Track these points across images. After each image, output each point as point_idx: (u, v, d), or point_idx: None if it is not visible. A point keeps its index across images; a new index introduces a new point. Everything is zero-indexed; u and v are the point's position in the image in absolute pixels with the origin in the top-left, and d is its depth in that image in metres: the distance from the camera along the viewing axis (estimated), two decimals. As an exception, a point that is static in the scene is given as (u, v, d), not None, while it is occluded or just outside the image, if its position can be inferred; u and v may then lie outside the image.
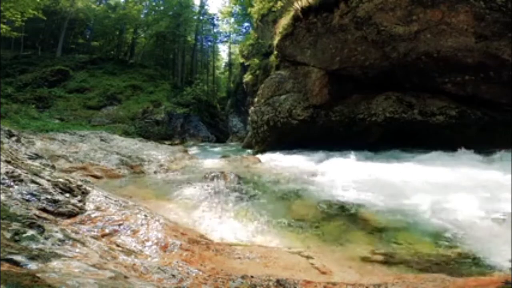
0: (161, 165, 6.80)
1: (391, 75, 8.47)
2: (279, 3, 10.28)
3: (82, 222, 2.08)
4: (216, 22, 35.80)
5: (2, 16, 14.83)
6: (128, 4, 28.47)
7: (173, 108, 21.23)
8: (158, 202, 3.99)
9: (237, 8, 28.90)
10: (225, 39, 37.03)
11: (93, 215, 2.22)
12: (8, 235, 1.41)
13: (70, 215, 2.12)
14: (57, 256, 1.36)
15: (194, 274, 1.65)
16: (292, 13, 9.38)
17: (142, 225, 2.26)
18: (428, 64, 7.55)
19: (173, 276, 1.55)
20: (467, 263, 2.45)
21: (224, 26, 34.97)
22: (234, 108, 24.83)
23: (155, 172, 6.33)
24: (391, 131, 8.31)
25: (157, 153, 8.11)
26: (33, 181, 2.25)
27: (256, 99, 12.04)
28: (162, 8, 30.60)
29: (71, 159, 6.31)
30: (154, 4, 31.58)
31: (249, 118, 12.46)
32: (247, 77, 19.24)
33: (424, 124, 7.93)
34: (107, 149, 7.61)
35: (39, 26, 24.63)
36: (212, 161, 8.15)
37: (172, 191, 4.60)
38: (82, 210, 2.25)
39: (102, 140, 9.15)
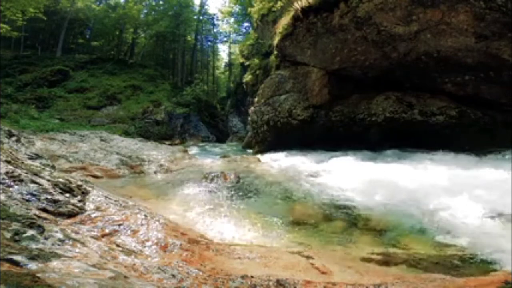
0: (161, 165, 6.80)
1: (391, 75, 8.46)
2: (279, 3, 10.27)
3: (82, 222, 2.08)
4: (216, 22, 35.83)
5: (2, 15, 14.82)
6: (128, 4, 28.41)
7: (173, 108, 21.21)
8: (158, 202, 3.99)
9: (237, 8, 28.90)
10: (225, 39, 37.06)
11: (93, 215, 2.22)
12: (8, 235, 1.41)
13: (70, 215, 2.12)
14: (57, 256, 1.36)
15: (194, 274, 1.65)
16: (292, 13, 9.37)
17: (142, 225, 2.26)
18: (428, 64, 7.54)
19: (173, 276, 1.55)
20: (467, 263, 2.45)
21: (224, 26, 34.99)
22: (234, 108, 24.82)
23: (155, 172, 6.33)
24: (391, 131, 8.30)
25: (157, 153, 8.10)
26: (33, 181, 2.25)
27: (256, 99, 12.04)
28: (162, 8, 30.59)
29: (71, 159, 6.31)
30: (154, 4, 31.57)
31: (249, 118, 12.46)
32: (247, 77, 19.23)
33: (424, 124, 7.92)
34: (107, 149, 7.61)
35: (39, 26, 24.60)
36: (212, 161, 8.15)
37: (172, 191, 4.60)
38: (82, 210, 2.25)
39: (102, 140, 9.14)
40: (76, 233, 1.85)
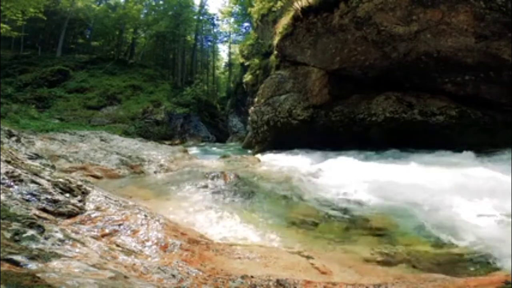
0: (161, 165, 6.80)
1: (391, 75, 8.47)
2: (279, 3, 10.28)
3: (82, 222, 2.08)
4: (216, 22, 35.91)
5: (2, 15, 14.83)
6: (128, 4, 28.42)
7: (173, 108, 21.23)
8: (158, 202, 3.98)
9: (237, 8, 28.93)
10: (225, 39, 37.14)
11: (93, 215, 2.22)
12: (8, 235, 1.41)
13: (70, 215, 2.12)
14: (57, 256, 1.36)
15: (194, 274, 1.65)
16: (292, 13, 9.37)
17: (142, 225, 2.26)
18: (428, 64, 7.55)
19: (173, 276, 1.55)
20: (467, 263, 2.45)
21: (224, 26, 35.11)
22: (234, 108, 24.82)
23: (155, 172, 6.33)
24: (391, 131, 8.31)
25: (157, 153, 8.10)
26: (33, 181, 2.25)
27: (256, 99, 12.05)
28: (162, 8, 30.61)
29: (71, 159, 6.31)
30: (154, 4, 31.59)
31: (249, 118, 12.46)
32: (247, 77, 19.23)
33: (424, 124, 7.92)
34: (107, 149, 7.61)
35: (39, 26, 24.62)
36: (212, 161, 8.15)
37: (172, 191, 4.60)
38: (82, 210, 2.25)
39: (102, 140, 9.14)
40: (76, 233, 1.85)
